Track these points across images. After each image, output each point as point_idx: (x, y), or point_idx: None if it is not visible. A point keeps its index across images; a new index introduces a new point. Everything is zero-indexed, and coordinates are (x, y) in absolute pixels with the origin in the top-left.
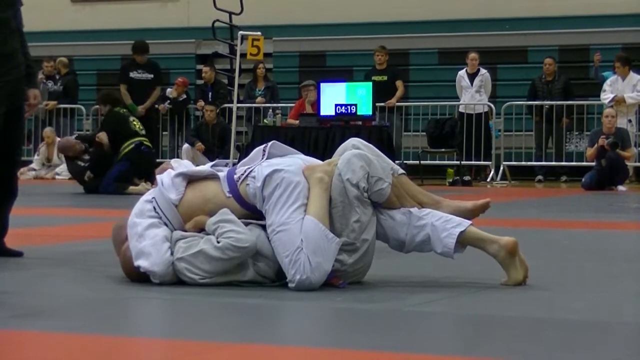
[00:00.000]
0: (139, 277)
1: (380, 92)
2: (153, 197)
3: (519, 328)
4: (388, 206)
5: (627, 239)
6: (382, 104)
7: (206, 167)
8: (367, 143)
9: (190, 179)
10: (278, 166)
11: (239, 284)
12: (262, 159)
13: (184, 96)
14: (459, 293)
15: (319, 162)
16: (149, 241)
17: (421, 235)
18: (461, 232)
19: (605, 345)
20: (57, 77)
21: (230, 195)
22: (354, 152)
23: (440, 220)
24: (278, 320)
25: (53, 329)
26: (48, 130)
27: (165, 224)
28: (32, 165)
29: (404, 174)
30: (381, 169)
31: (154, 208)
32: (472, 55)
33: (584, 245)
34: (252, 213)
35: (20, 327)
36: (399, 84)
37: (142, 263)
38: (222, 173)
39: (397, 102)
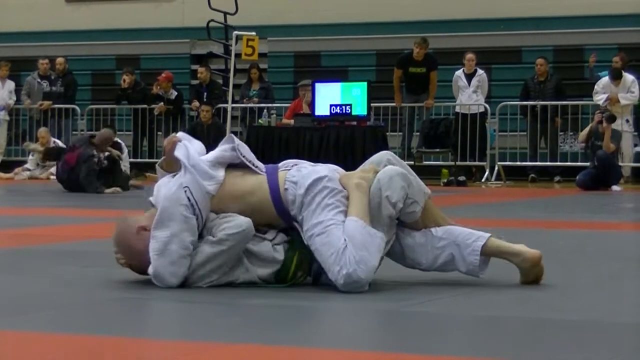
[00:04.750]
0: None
1: (417, 85)
2: (187, 186)
3: (518, 328)
4: (411, 227)
5: (622, 239)
6: (416, 104)
7: (227, 153)
8: (400, 160)
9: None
10: (320, 174)
11: (240, 284)
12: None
13: (175, 92)
14: (458, 293)
15: (346, 171)
16: (181, 251)
17: (443, 256)
18: (483, 245)
19: (602, 345)
20: (53, 77)
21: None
22: (397, 169)
23: (461, 236)
24: (277, 320)
25: (51, 329)
26: (43, 131)
27: (197, 217)
28: (27, 166)
29: (430, 195)
30: (418, 192)
31: (189, 198)
32: (469, 56)
33: (579, 245)
34: (280, 219)
35: (18, 327)
36: (433, 75)
37: (158, 264)
38: (261, 166)
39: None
